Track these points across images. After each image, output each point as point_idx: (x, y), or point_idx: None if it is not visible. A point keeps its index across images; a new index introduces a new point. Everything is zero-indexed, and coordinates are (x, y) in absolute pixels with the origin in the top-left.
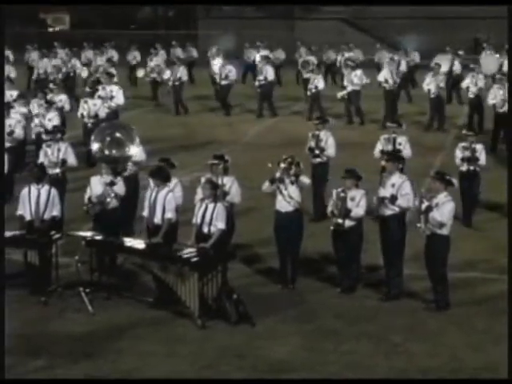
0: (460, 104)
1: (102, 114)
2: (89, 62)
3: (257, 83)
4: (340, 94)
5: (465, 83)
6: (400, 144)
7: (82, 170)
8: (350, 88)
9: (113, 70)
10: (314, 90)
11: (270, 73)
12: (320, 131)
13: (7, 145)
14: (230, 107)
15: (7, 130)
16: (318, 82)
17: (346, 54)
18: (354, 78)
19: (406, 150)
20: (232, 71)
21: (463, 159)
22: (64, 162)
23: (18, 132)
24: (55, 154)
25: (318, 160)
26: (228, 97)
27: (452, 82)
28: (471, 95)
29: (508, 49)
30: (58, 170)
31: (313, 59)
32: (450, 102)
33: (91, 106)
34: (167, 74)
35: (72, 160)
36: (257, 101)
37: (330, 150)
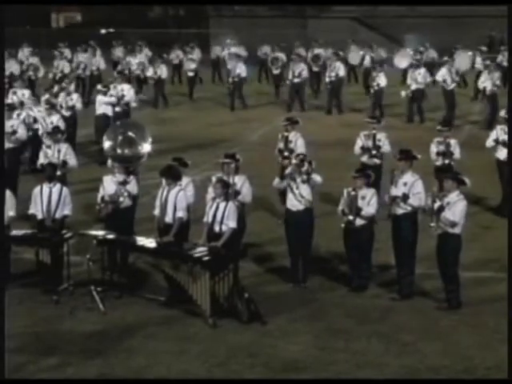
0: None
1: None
2: (119, 61)
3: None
4: (403, 93)
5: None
6: (379, 140)
7: (85, 170)
8: (413, 86)
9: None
10: (376, 88)
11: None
12: (289, 132)
13: (10, 145)
14: (303, 103)
15: (9, 130)
16: (380, 80)
17: (316, 51)
18: (418, 77)
19: (386, 146)
20: (305, 69)
21: (438, 154)
22: (65, 163)
23: (21, 132)
24: (56, 156)
25: (287, 161)
26: (305, 94)
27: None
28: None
29: (508, 48)
30: (58, 172)
31: (282, 56)
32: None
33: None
34: (150, 71)
35: (73, 162)
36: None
37: (300, 151)
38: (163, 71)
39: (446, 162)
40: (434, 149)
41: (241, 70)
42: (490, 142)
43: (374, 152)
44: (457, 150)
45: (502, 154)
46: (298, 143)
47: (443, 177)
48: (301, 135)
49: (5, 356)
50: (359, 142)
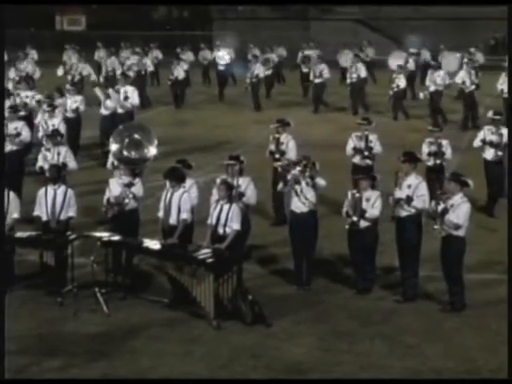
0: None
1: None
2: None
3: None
4: (422, 94)
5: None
6: (371, 141)
7: (89, 172)
8: (432, 88)
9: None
10: (396, 89)
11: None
12: (280, 134)
13: (13, 148)
14: (324, 105)
15: (13, 132)
16: (400, 81)
17: (305, 52)
18: (437, 78)
19: (377, 147)
20: (325, 69)
21: (430, 154)
22: (64, 165)
23: (25, 134)
24: (55, 158)
25: (279, 163)
26: (323, 95)
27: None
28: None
29: (508, 48)
30: None
31: (273, 57)
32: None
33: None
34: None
35: (73, 164)
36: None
37: (291, 153)
38: (180, 72)
39: (438, 162)
40: (425, 149)
41: (259, 70)
42: (477, 142)
43: (366, 153)
44: (448, 150)
45: (488, 154)
46: (290, 145)
47: (446, 179)
48: (292, 137)
49: (5, 357)
50: (351, 143)
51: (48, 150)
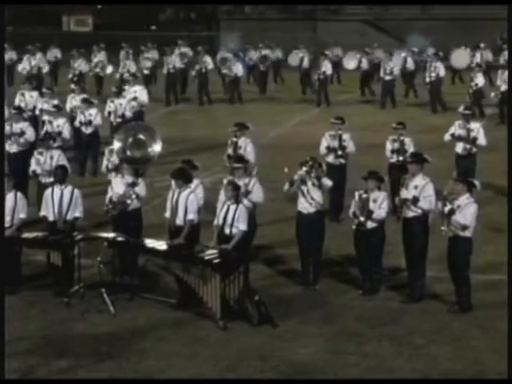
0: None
1: (129, 113)
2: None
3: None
4: (493, 94)
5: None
6: (344, 141)
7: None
8: (503, 88)
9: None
10: (474, 88)
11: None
12: (238, 138)
13: (19, 148)
14: (393, 102)
15: (18, 131)
16: (478, 80)
17: (263, 52)
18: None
19: (350, 146)
20: (396, 67)
21: (393, 151)
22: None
23: (29, 134)
24: (48, 162)
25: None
26: (394, 91)
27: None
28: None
29: (508, 49)
30: (51, 179)
31: (230, 56)
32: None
33: (118, 106)
34: (109, 69)
35: None
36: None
37: (249, 157)
38: (239, 69)
39: (400, 159)
40: (389, 146)
41: (326, 68)
42: (447, 137)
43: (339, 152)
44: (411, 148)
45: (459, 147)
46: (248, 149)
47: (452, 180)
48: (250, 141)
49: (5, 357)
50: (324, 143)
51: (41, 153)
